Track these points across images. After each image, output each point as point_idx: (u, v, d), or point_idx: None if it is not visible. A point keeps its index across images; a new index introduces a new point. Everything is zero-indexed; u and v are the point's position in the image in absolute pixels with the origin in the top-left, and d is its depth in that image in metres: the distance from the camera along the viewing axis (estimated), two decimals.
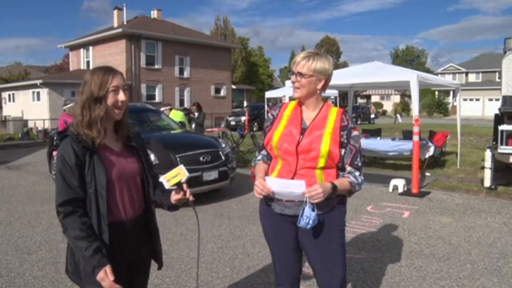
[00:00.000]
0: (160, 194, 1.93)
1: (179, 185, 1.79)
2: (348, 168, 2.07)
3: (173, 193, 1.85)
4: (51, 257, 4.11)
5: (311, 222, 1.91)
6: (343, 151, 2.05)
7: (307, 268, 2.98)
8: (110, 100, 1.76)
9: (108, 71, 1.78)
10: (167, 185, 1.76)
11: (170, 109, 9.90)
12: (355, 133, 2.07)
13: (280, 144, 2.06)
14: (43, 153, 11.77)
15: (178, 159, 6.01)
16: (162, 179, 1.76)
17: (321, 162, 2.00)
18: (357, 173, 2.07)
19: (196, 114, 11.16)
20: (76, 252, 1.67)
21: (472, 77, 47.90)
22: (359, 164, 2.08)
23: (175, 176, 1.76)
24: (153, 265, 3.99)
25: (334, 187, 1.96)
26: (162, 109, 9.57)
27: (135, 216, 1.85)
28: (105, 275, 1.60)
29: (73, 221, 1.64)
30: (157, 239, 2.00)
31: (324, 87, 2.08)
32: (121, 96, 1.79)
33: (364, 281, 3.53)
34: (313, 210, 1.91)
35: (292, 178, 2.02)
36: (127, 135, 1.89)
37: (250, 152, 12.27)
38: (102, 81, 1.75)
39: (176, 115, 9.73)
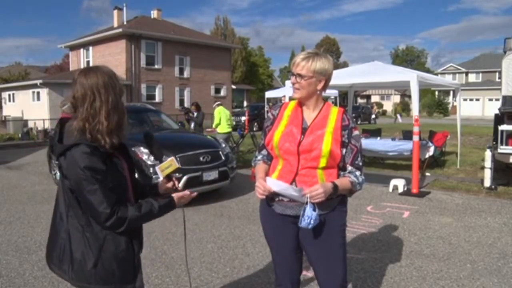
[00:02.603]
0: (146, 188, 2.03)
1: (168, 176, 1.91)
2: (349, 168, 2.07)
3: (162, 182, 1.94)
4: None
5: (312, 222, 1.91)
6: (344, 150, 2.05)
7: (307, 269, 2.98)
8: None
9: (113, 72, 1.78)
10: (161, 175, 1.90)
11: (218, 105, 10.49)
12: (355, 132, 2.07)
13: (281, 144, 2.06)
14: (43, 153, 11.77)
15: (178, 159, 6.01)
16: (157, 169, 1.89)
17: (323, 162, 2.00)
18: (358, 173, 2.07)
19: (195, 114, 11.19)
20: (150, 217, 1.74)
21: (472, 77, 47.91)
22: (360, 163, 2.08)
23: (168, 167, 1.89)
24: (153, 266, 3.98)
25: (335, 186, 1.96)
26: (214, 105, 10.69)
27: None
28: (180, 195, 1.84)
29: (125, 208, 1.67)
30: (142, 233, 2.04)
31: (324, 88, 2.08)
32: None
33: (364, 281, 3.53)
34: (314, 210, 1.91)
35: (294, 178, 2.02)
36: None
37: (250, 152, 12.27)
38: (120, 84, 1.74)
39: (221, 113, 10.14)
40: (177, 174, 6.20)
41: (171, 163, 1.88)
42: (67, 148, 1.64)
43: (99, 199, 1.62)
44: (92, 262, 1.69)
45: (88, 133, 1.65)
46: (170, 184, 1.93)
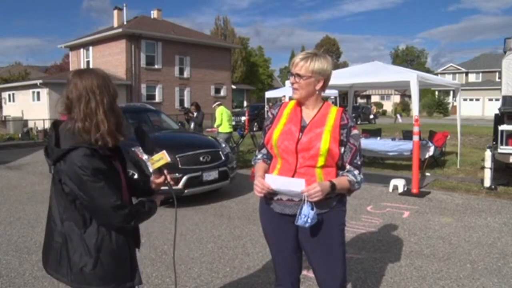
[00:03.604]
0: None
1: (160, 169, 1.87)
2: (348, 167, 2.07)
3: (153, 177, 1.93)
4: None
5: (309, 220, 1.91)
6: (342, 149, 2.05)
7: (307, 269, 2.98)
8: None
9: (107, 74, 1.79)
10: (151, 168, 1.87)
11: (219, 105, 10.69)
12: (354, 132, 2.08)
13: (280, 142, 2.06)
14: (43, 153, 11.77)
15: (178, 159, 6.01)
16: (147, 161, 1.87)
17: (321, 161, 2.00)
18: (356, 172, 2.07)
19: (195, 114, 11.19)
20: (150, 214, 1.82)
21: (472, 77, 47.88)
22: (359, 162, 2.09)
23: (158, 160, 1.85)
24: (153, 266, 3.98)
25: (333, 185, 1.96)
26: (214, 105, 11.04)
27: None
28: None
29: (134, 207, 1.73)
30: (138, 230, 2.03)
31: (323, 88, 2.08)
32: None
33: (364, 281, 3.54)
34: (312, 209, 1.92)
35: (293, 177, 2.02)
36: None
37: (250, 152, 12.27)
38: (114, 86, 1.75)
39: (223, 113, 10.28)
40: (177, 174, 6.26)
41: (162, 156, 1.84)
42: (66, 152, 1.62)
43: (108, 194, 1.62)
44: (92, 263, 1.68)
45: (88, 133, 1.63)
46: (161, 179, 1.89)
